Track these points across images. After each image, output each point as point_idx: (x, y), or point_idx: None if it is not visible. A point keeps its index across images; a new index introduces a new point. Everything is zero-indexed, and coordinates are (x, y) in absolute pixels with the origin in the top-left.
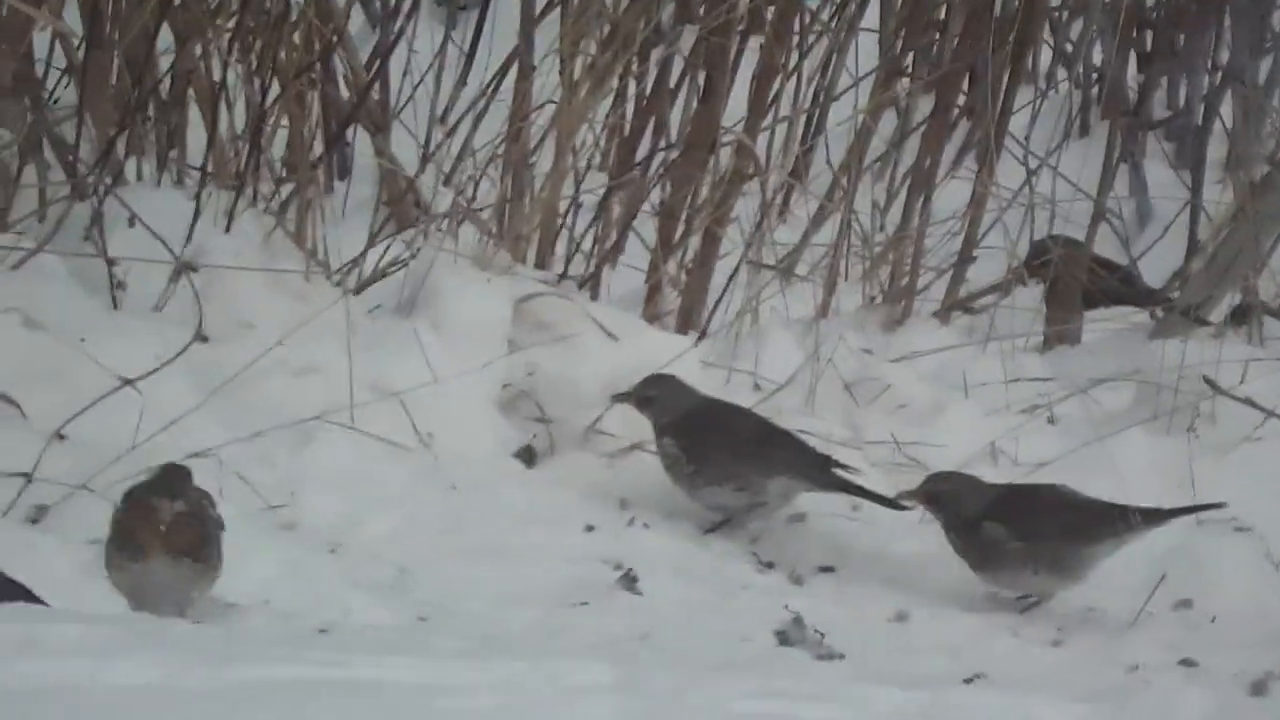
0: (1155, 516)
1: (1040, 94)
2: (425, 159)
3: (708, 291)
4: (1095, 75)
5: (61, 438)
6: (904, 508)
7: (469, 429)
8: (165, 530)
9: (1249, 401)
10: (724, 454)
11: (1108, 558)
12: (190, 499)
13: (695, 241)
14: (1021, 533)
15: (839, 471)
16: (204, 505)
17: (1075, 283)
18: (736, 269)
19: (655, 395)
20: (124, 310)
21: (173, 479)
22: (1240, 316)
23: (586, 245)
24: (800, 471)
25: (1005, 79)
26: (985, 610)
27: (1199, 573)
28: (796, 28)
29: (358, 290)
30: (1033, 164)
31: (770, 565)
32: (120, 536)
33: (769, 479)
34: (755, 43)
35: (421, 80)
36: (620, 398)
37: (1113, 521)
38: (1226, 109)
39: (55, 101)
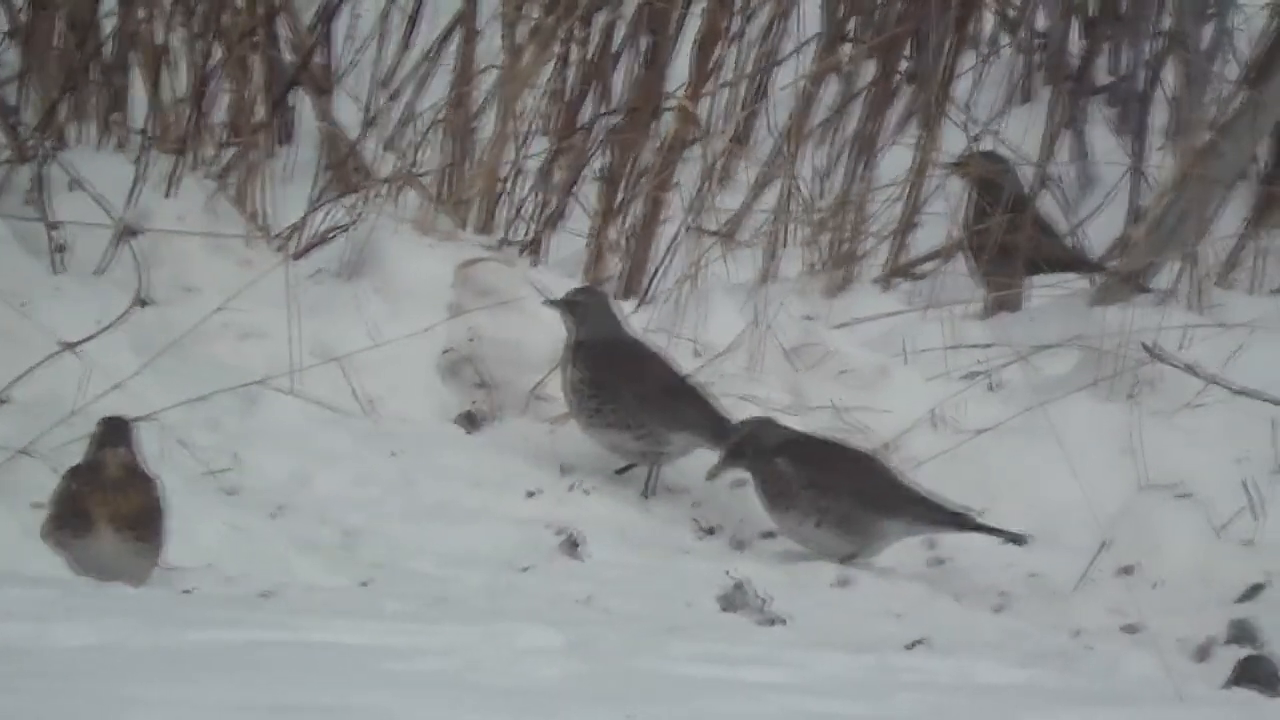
0: (961, 521)
1: (983, 60)
2: (368, 123)
3: (650, 257)
4: (1039, 41)
5: (2, 402)
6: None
7: (411, 393)
8: (111, 495)
9: (1189, 368)
10: (632, 399)
11: (893, 538)
12: (134, 450)
13: (638, 207)
14: (812, 479)
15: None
16: (151, 480)
17: (1018, 249)
18: (679, 235)
19: (581, 302)
20: (66, 274)
21: (115, 429)
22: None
23: (529, 210)
24: (705, 430)
25: (949, 44)
26: (928, 575)
27: (1142, 538)
28: None
29: (300, 255)
30: (975, 130)
31: (712, 531)
32: (62, 510)
33: (672, 432)
34: (699, 7)
35: (365, 44)
36: (550, 303)
37: (910, 504)
38: (1170, 75)
39: None
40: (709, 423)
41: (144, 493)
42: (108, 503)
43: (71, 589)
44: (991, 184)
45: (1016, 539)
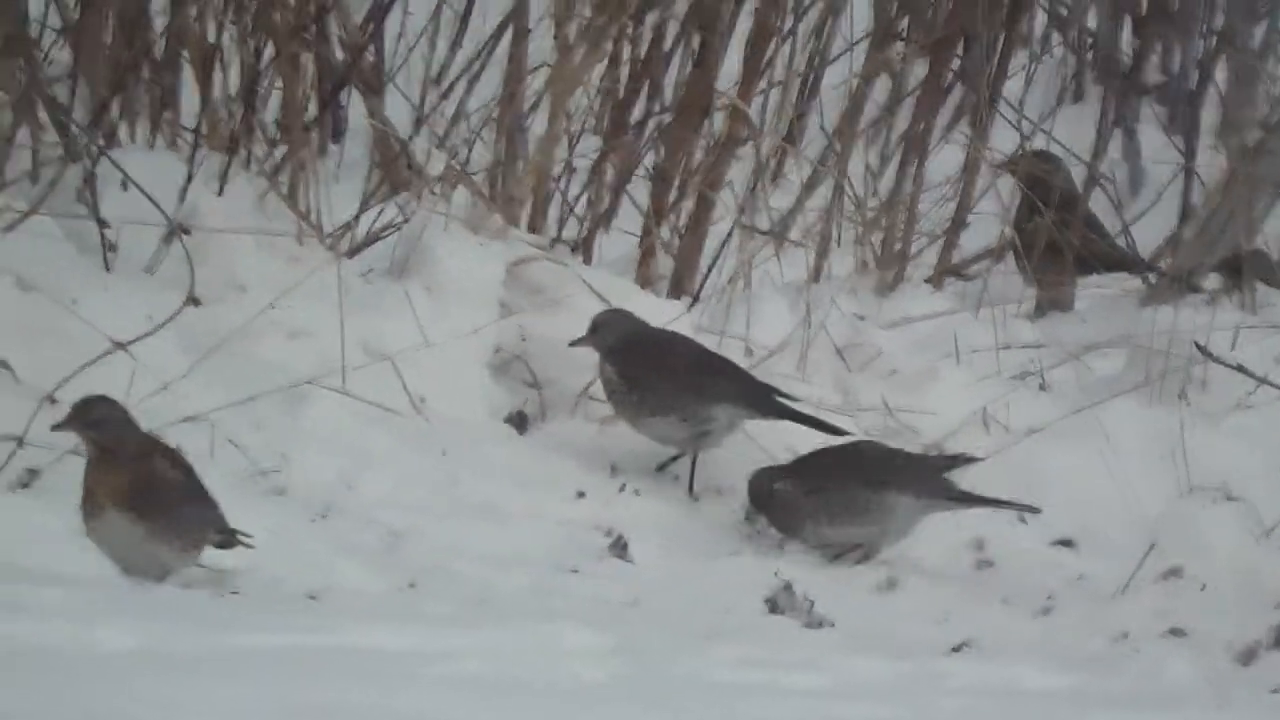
0: (963, 496)
1: (1034, 59)
2: (419, 122)
3: (700, 256)
4: (1089, 40)
5: (53, 401)
6: (844, 432)
7: (461, 393)
8: (98, 473)
9: (1240, 368)
10: (666, 384)
11: (908, 512)
12: (118, 434)
13: (688, 206)
14: (808, 485)
15: (781, 400)
16: (156, 459)
17: (1068, 248)
18: (729, 234)
19: (601, 323)
20: (116, 272)
21: (77, 408)
22: (1233, 282)
23: (580, 209)
24: (743, 399)
25: (1000, 43)
26: (974, 578)
27: (1188, 541)
28: None
29: (351, 253)
30: (1026, 129)
31: (760, 532)
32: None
33: (712, 406)
34: (750, 6)
35: (416, 42)
36: (575, 343)
37: (910, 476)
38: (1221, 74)
39: (49, 62)
40: (746, 391)
41: (135, 470)
42: (99, 480)
43: (116, 590)
44: (1042, 182)
45: (1028, 510)
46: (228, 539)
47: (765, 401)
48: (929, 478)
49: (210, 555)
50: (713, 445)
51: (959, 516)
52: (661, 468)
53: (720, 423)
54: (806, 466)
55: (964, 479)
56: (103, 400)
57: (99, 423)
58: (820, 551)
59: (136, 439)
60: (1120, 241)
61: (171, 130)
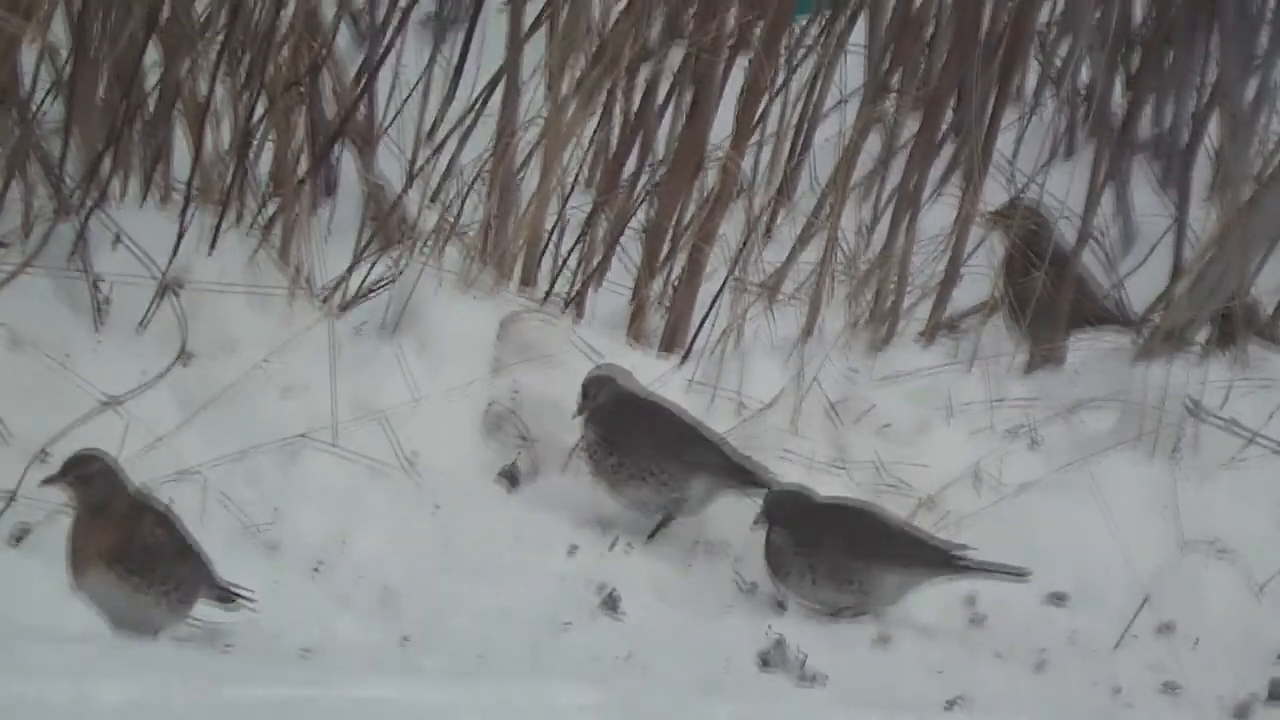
0: (955, 563)
1: (1027, 113)
2: (411, 177)
3: (693, 311)
4: (1082, 95)
5: (45, 457)
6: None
7: (453, 449)
8: (84, 529)
9: (1232, 424)
10: (647, 449)
11: (895, 586)
12: (106, 490)
13: (681, 261)
14: (799, 540)
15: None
16: (144, 517)
17: (1061, 302)
18: (721, 289)
19: (591, 383)
20: (108, 329)
21: (66, 464)
22: (1225, 338)
23: (572, 264)
24: (720, 471)
25: (992, 98)
26: (968, 633)
27: (1182, 596)
28: (784, 45)
29: (342, 309)
30: (1019, 184)
31: (753, 587)
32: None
33: (689, 476)
34: (743, 60)
35: (408, 97)
36: (579, 414)
37: (900, 549)
38: (1213, 129)
39: (42, 117)
40: (724, 463)
41: (122, 527)
42: (86, 536)
43: (111, 646)
44: (1033, 239)
45: (1017, 574)
46: (227, 597)
47: (741, 474)
48: (919, 551)
49: (204, 611)
50: (689, 514)
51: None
52: (652, 536)
53: (696, 491)
54: (804, 519)
55: (958, 538)
56: (93, 456)
57: (88, 478)
58: (812, 606)
59: (125, 496)
60: (1112, 297)
61: (164, 186)
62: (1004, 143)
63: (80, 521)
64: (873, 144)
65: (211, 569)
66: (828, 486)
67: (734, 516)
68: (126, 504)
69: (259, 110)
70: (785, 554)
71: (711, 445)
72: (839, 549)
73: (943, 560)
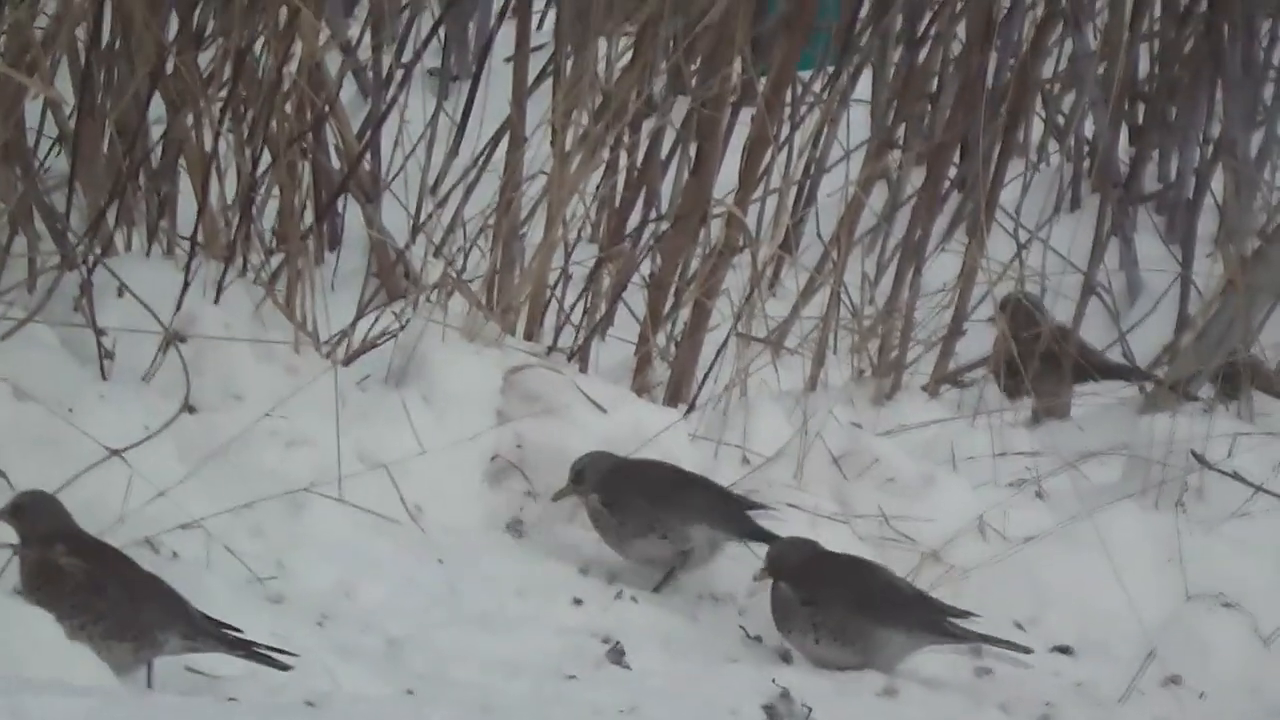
0: (960, 633)
1: (1031, 167)
2: (416, 230)
3: (697, 364)
4: (1086, 148)
5: None
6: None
7: (457, 501)
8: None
9: (1236, 476)
10: (643, 503)
11: (897, 647)
12: (32, 522)
13: (685, 313)
14: (806, 596)
15: (759, 520)
16: (55, 548)
17: (1064, 357)
18: (726, 341)
19: (584, 467)
20: (113, 380)
21: (15, 498)
22: (1230, 390)
23: (576, 317)
24: (718, 519)
25: (996, 151)
26: (974, 685)
27: (1188, 648)
28: (788, 99)
29: (347, 361)
30: (1023, 237)
31: (758, 638)
32: None
33: (689, 526)
34: (747, 114)
35: (413, 151)
36: (559, 495)
37: (906, 611)
38: (1218, 183)
39: (46, 170)
40: (723, 511)
41: (35, 559)
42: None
43: (114, 698)
44: (1027, 320)
45: (1022, 650)
46: (252, 654)
47: (740, 522)
48: (924, 616)
49: (207, 661)
50: (697, 565)
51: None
52: (658, 588)
53: (697, 542)
54: (811, 575)
55: (964, 591)
56: (29, 491)
57: (16, 510)
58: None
59: (47, 528)
60: (1116, 350)
61: (168, 238)
62: (1008, 196)
63: (22, 557)
64: (877, 197)
65: (180, 612)
66: (832, 539)
67: (739, 568)
68: (43, 536)
69: (263, 163)
70: (791, 608)
71: (708, 491)
72: (845, 606)
73: (948, 630)
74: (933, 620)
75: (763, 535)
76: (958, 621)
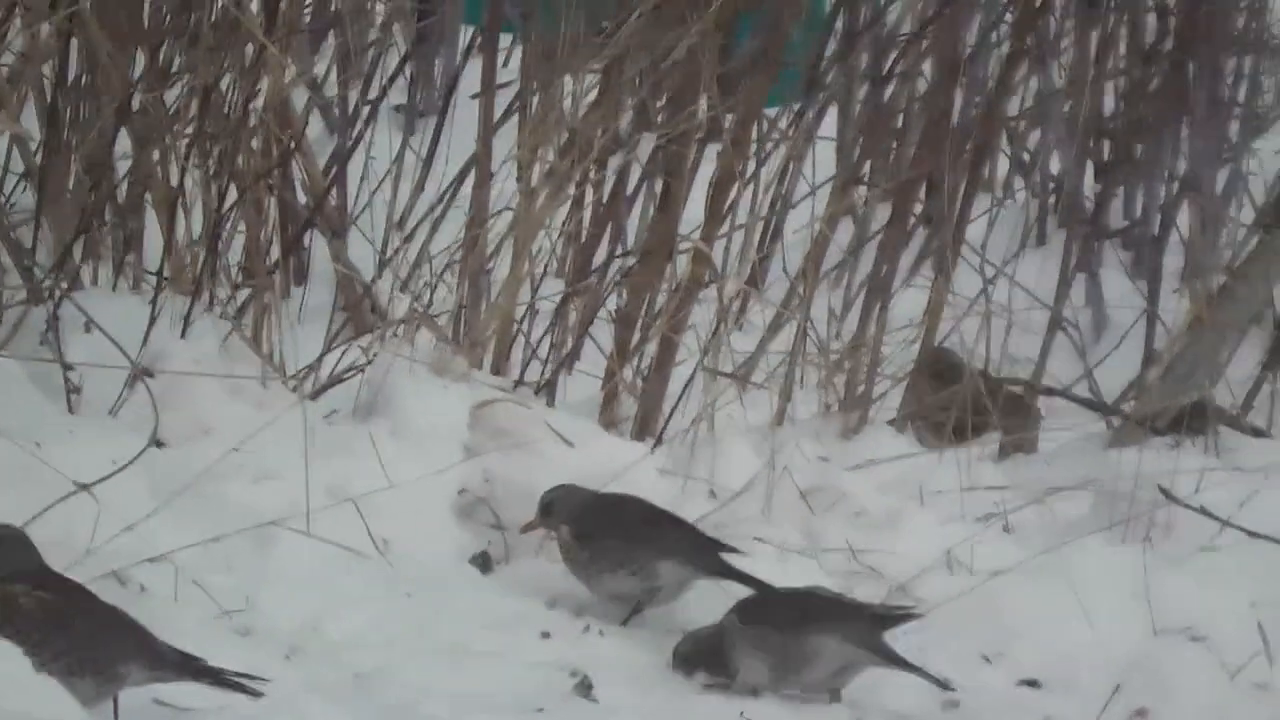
0: (891, 656)
1: (997, 203)
2: (382, 265)
3: (664, 398)
4: (1053, 184)
5: None
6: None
7: (425, 535)
8: None
9: (1204, 511)
10: (616, 539)
11: (831, 658)
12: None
13: (652, 348)
14: (746, 619)
15: (728, 559)
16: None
17: (1030, 392)
18: (692, 376)
19: (552, 500)
20: (80, 415)
21: None
22: (1196, 426)
23: (543, 351)
24: (688, 556)
25: (963, 187)
26: (941, 718)
27: (1156, 683)
28: (754, 135)
29: (314, 396)
30: (989, 273)
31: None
32: None
33: (658, 563)
34: (713, 151)
35: (379, 186)
36: (527, 528)
37: (839, 620)
38: (1184, 219)
39: (12, 206)
40: (692, 548)
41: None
42: None
43: None
44: (952, 371)
45: (944, 686)
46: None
47: (709, 560)
48: (860, 628)
49: (174, 694)
50: (666, 601)
51: (924, 657)
52: (626, 621)
53: (665, 579)
54: (756, 608)
55: (931, 624)
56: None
57: None
58: (789, 693)
59: (12, 565)
60: (1083, 385)
61: (135, 273)
62: (975, 232)
63: None
64: (843, 233)
65: (152, 647)
66: (800, 573)
67: (707, 602)
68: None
69: (230, 199)
70: (734, 637)
71: (679, 528)
72: (781, 626)
73: (880, 650)
74: (865, 634)
75: (733, 574)
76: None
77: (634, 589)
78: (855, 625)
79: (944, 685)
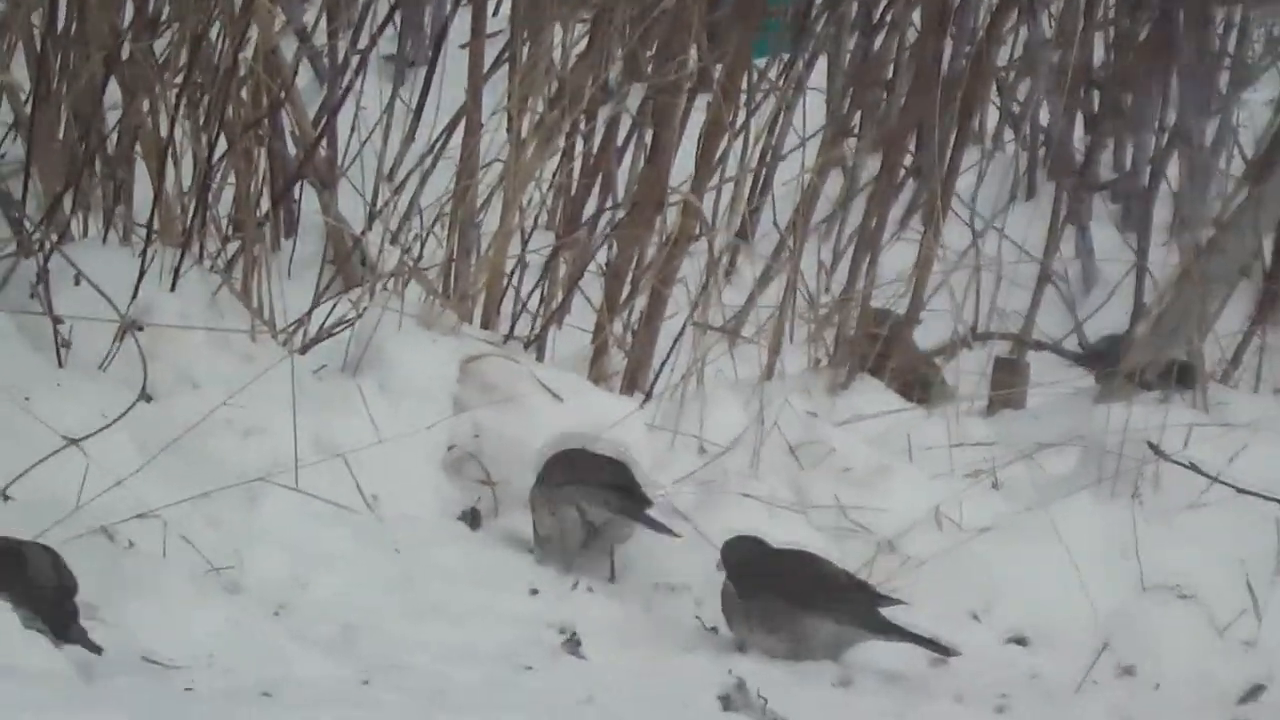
0: (885, 628)
1: (987, 155)
2: (372, 217)
3: (653, 352)
4: (1042, 136)
5: (6, 498)
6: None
7: (414, 490)
8: None
9: (1192, 466)
10: (558, 481)
11: (826, 637)
12: None
13: (641, 302)
14: (742, 588)
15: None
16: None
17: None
18: (682, 330)
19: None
20: (69, 368)
21: None
22: (1184, 379)
23: (533, 305)
24: (601, 489)
25: (952, 140)
26: (929, 675)
27: (1143, 639)
28: (744, 86)
29: (303, 349)
30: (979, 225)
31: (714, 629)
32: None
33: (562, 499)
34: (703, 101)
35: (369, 137)
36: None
37: (835, 601)
38: (1173, 171)
39: (1, 156)
40: (613, 483)
41: None
42: None
43: (71, 685)
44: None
45: (948, 652)
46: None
47: (630, 494)
48: (857, 606)
49: (163, 650)
50: (596, 541)
51: (912, 614)
52: (613, 578)
53: (574, 515)
54: (751, 567)
55: (918, 581)
56: None
57: None
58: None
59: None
60: (1073, 339)
61: (124, 225)
62: (964, 184)
63: None
64: (833, 185)
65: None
66: (788, 528)
67: (696, 558)
68: None
69: (219, 150)
70: (730, 599)
71: (610, 468)
72: (775, 596)
73: (876, 625)
74: (861, 613)
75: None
76: (889, 614)
77: (551, 527)
78: (852, 605)
79: (946, 651)
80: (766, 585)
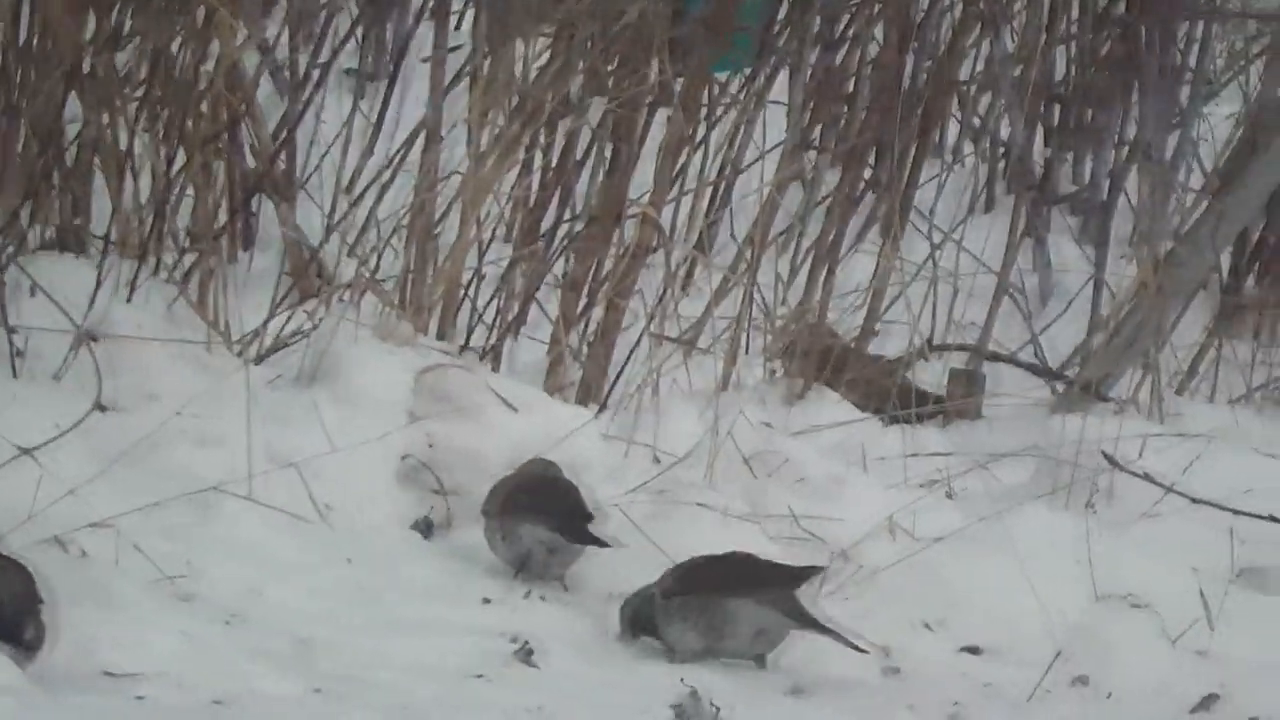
0: (805, 618)
1: (946, 168)
2: (330, 229)
3: (609, 364)
4: (1002, 150)
5: None
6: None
7: (367, 500)
8: None
9: (1146, 477)
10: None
11: (749, 622)
12: None
13: (598, 313)
14: (668, 589)
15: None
16: None
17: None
18: (638, 341)
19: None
20: (23, 379)
21: None
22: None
23: (489, 317)
24: (548, 520)
25: (912, 153)
26: (882, 685)
27: (1097, 649)
28: (705, 100)
29: (259, 360)
30: (937, 238)
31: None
32: None
33: (519, 526)
34: (663, 115)
35: (328, 150)
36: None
37: (757, 586)
38: (1133, 185)
39: None
40: (556, 512)
41: None
42: None
43: (27, 697)
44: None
45: (857, 648)
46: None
47: (574, 527)
48: (776, 592)
49: (118, 660)
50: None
51: (865, 623)
52: (566, 586)
53: (530, 544)
54: (679, 572)
55: (872, 590)
56: None
57: None
58: (727, 661)
59: None
60: (1029, 351)
61: (82, 237)
62: (924, 197)
63: None
64: (792, 198)
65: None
66: (742, 538)
67: (648, 567)
68: None
69: (179, 162)
70: (656, 605)
71: (553, 496)
72: (702, 590)
73: (796, 613)
74: (783, 596)
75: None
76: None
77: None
78: (771, 589)
79: (857, 648)
80: (690, 583)
